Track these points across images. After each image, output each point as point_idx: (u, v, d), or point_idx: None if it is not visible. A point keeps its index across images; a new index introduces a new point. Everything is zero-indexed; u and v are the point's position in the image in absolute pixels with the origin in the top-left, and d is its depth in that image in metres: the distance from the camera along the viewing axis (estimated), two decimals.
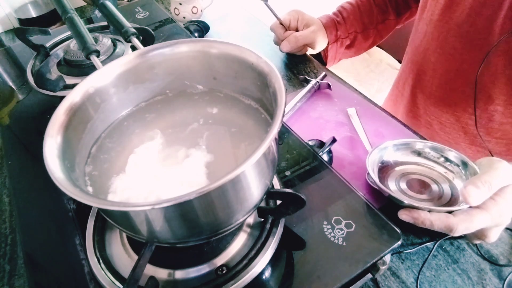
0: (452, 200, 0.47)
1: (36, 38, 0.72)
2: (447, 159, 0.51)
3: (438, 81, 0.69)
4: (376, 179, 0.47)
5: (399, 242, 0.38)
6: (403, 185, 0.50)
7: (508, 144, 0.66)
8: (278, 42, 0.78)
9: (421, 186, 0.49)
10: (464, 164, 0.48)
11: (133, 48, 0.66)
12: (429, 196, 0.48)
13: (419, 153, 0.52)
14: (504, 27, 0.55)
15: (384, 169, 0.52)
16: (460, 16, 0.60)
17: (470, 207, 0.42)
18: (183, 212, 0.29)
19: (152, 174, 0.35)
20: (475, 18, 0.58)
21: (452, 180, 0.49)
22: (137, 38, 0.44)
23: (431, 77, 0.70)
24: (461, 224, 0.41)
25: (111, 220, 0.32)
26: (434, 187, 0.49)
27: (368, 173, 0.53)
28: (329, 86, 0.69)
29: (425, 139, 0.59)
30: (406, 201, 0.44)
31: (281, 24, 0.77)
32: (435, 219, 0.42)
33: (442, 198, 0.47)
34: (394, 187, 0.49)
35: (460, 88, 0.65)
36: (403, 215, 0.44)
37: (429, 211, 0.43)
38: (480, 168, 0.46)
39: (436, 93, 0.70)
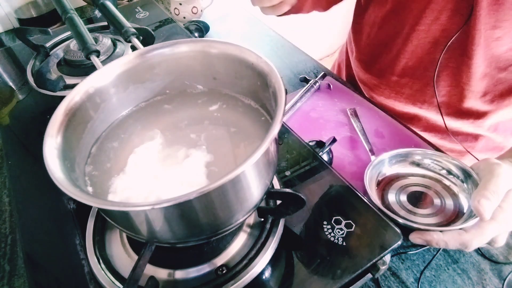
0: (457, 212, 0.46)
1: (36, 38, 0.72)
2: (448, 171, 0.50)
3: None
4: (378, 202, 0.46)
5: (399, 242, 0.38)
6: (403, 198, 0.49)
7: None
8: None
9: (423, 199, 0.48)
10: (463, 172, 0.48)
11: (133, 48, 0.66)
12: (432, 210, 0.47)
13: (418, 164, 0.52)
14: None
15: (383, 182, 0.51)
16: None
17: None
18: (183, 212, 0.29)
19: (152, 174, 0.35)
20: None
21: (455, 192, 0.48)
22: (137, 38, 0.44)
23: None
24: (475, 239, 0.41)
25: (111, 220, 0.33)
26: (436, 200, 0.48)
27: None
28: (329, 86, 0.69)
29: (427, 141, 0.58)
30: (416, 225, 0.43)
31: None
32: (448, 238, 0.41)
33: (445, 211, 0.46)
34: (394, 200, 0.48)
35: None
36: (416, 238, 0.43)
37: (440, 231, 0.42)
38: (479, 173, 0.45)
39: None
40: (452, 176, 0.49)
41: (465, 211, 0.46)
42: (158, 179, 0.34)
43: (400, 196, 0.49)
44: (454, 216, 0.46)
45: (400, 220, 0.43)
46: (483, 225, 0.41)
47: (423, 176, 0.51)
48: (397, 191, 0.50)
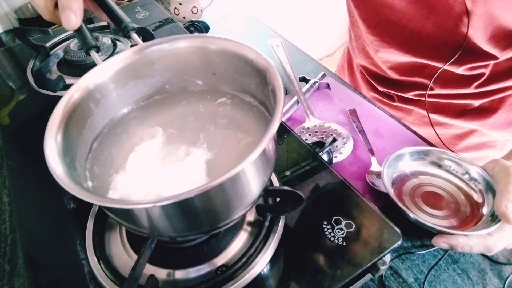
0: (471, 218, 0.45)
1: (36, 38, 0.72)
2: (469, 176, 0.48)
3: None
4: (399, 203, 0.45)
5: (399, 242, 0.38)
6: (418, 196, 0.48)
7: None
8: None
9: (437, 200, 0.48)
10: (483, 179, 0.47)
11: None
12: (445, 212, 0.46)
13: (439, 165, 0.51)
14: None
15: (399, 179, 0.50)
16: None
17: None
18: (183, 209, 0.29)
19: (152, 171, 0.35)
20: None
21: (472, 197, 0.47)
22: (137, 34, 0.44)
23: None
24: (499, 243, 0.41)
25: (112, 215, 0.32)
26: (451, 204, 0.47)
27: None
28: (328, 86, 0.69)
29: (427, 141, 0.58)
30: (438, 227, 0.42)
31: None
32: (474, 243, 0.41)
33: (458, 216, 0.46)
34: (408, 196, 0.48)
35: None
36: (441, 242, 0.42)
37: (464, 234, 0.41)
38: (494, 175, 0.45)
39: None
40: (472, 182, 0.48)
41: (480, 216, 0.45)
42: (158, 177, 0.34)
43: (414, 193, 0.49)
44: (468, 221, 0.45)
45: (411, 215, 0.43)
46: (506, 228, 0.41)
47: (442, 177, 0.50)
48: (413, 188, 0.49)
